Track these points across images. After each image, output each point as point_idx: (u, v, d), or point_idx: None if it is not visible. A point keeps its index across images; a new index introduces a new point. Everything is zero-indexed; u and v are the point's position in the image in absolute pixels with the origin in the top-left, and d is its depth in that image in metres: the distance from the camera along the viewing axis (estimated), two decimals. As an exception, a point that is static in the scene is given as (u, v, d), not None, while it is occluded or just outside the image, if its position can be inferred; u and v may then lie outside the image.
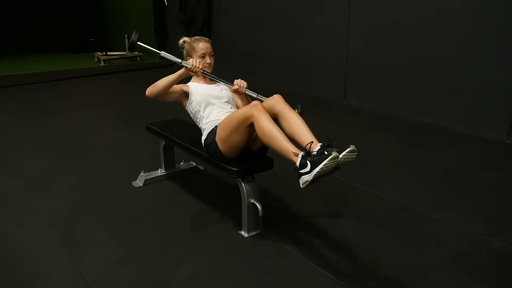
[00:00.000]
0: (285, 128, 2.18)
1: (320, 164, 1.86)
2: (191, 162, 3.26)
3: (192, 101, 2.50)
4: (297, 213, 2.62)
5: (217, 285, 1.96)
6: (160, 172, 3.10)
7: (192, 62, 2.35)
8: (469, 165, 3.33)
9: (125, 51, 9.41)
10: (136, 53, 9.43)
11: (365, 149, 3.68)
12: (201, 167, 3.30)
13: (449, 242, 2.28)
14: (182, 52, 2.62)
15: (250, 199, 2.30)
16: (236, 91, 2.45)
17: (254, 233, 2.36)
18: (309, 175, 1.90)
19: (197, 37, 2.60)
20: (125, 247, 2.26)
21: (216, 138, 2.29)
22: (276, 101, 2.24)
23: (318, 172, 1.87)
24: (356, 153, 1.99)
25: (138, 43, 2.56)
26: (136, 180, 3.04)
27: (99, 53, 9.13)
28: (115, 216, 2.59)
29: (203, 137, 2.42)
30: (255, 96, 2.54)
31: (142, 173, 3.05)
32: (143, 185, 2.99)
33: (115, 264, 2.12)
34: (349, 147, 1.94)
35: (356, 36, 5.01)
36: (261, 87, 6.31)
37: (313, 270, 2.05)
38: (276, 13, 6.09)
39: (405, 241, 2.30)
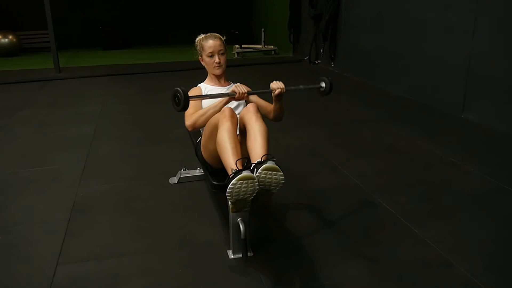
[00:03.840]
0: (246, 139, 1.97)
1: (229, 184, 1.65)
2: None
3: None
4: (306, 242, 2.25)
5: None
6: (198, 171, 3.03)
7: (236, 89, 2.10)
8: None
9: (261, 44, 9.60)
10: (272, 46, 9.56)
11: (448, 175, 3.03)
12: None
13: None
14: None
15: (236, 218, 2.06)
16: (238, 99, 2.16)
17: (240, 255, 2.11)
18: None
19: (208, 34, 2.42)
20: (113, 244, 2.25)
21: (201, 145, 2.11)
22: (247, 111, 2.03)
23: (227, 193, 1.68)
24: (280, 173, 1.74)
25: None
26: (174, 176, 3.03)
27: (237, 46, 9.50)
28: (130, 211, 2.60)
29: (196, 143, 2.26)
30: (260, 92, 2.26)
31: (181, 170, 3.02)
32: (177, 182, 2.96)
33: (91, 259, 2.12)
34: (266, 163, 1.70)
35: (483, 38, 4.14)
36: (378, 91, 5.77)
37: (273, 316, 1.73)
38: (399, 10, 5.44)
39: (414, 307, 1.78)
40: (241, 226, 2.02)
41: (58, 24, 10.46)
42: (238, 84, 2.21)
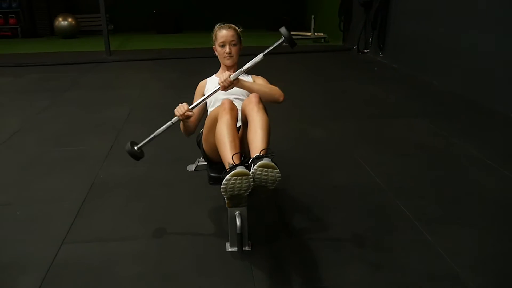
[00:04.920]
0: (247, 132, 1.93)
1: (223, 179, 1.63)
2: (252, 156, 3.06)
3: None
4: (309, 241, 2.18)
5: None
6: (216, 160, 3.02)
7: (176, 112, 2.12)
8: None
9: (310, 31, 9.40)
10: (322, 34, 9.33)
11: (480, 180, 2.83)
12: (264, 163, 3.07)
13: None
14: None
15: (234, 211, 2.03)
16: (224, 89, 2.10)
17: (236, 248, 2.08)
18: None
19: (224, 24, 2.37)
20: (119, 228, 2.30)
21: (202, 138, 2.09)
22: (248, 101, 1.98)
23: (222, 189, 1.66)
24: (277, 171, 1.69)
25: (140, 146, 2.21)
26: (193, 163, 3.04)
27: (285, 33, 9.32)
28: (143, 196, 2.66)
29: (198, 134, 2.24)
30: (244, 69, 2.14)
31: (199, 158, 3.02)
32: (194, 170, 2.97)
33: (95, 240, 2.19)
34: (261, 160, 1.65)
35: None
36: (425, 84, 5.45)
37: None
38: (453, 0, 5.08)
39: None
40: (237, 220, 1.99)
41: (116, 8, 10.85)
42: (180, 104, 2.16)
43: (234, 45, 2.31)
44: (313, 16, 9.24)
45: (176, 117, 2.14)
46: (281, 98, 2.18)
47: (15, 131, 3.77)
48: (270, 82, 2.33)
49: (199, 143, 2.25)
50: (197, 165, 2.99)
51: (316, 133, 3.74)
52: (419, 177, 2.86)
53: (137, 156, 2.18)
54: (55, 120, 4.11)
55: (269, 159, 1.74)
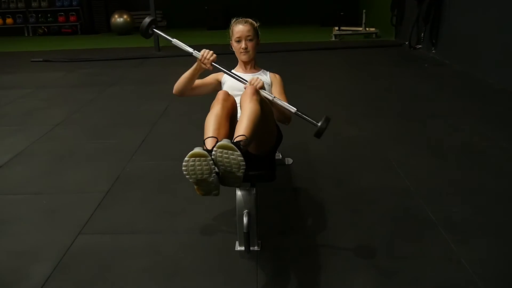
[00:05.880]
0: None
1: (183, 162, 1.62)
2: (278, 153, 2.99)
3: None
4: (322, 245, 2.09)
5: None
6: (241, 157, 2.97)
7: (203, 52, 2.13)
8: None
9: (361, 27, 9.11)
10: (373, 29, 9.01)
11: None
12: (290, 161, 2.99)
13: None
14: None
15: (243, 210, 1.98)
16: (248, 87, 2.01)
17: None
18: None
19: (240, 19, 2.32)
20: (135, 221, 2.33)
21: (211, 132, 2.05)
22: (244, 93, 1.95)
23: (183, 171, 1.65)
24: (238, 153, 1.62)
25: (155, 30, 2.28)
26: (218, 159, 3.02)
27: (335, 28, 9.13)
28: (164, 190, 2.67)
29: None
30: (270, 98, 2.07)
31: (225, 154, 3.00)
32: (218, 167, 2.95)
33: (110, 232, 2.23)
34: (222, 141, 1.63)
35: None
36: (479, 82, 5.07)
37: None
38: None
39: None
40: (244, 219, 1.94)
41: (169, 5, 11.12)
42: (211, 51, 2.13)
43: (250, 40, 2.26)
44: (364, 11, 8.94)
45: (199, 54, 2.15)
46: (287, 123, 2.21)
47: (57, 123, 3.94)
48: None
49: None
50: (222, 161, 2.97)
51: (351, 131, 3.59)
52: (454, 182, 2.66)
53: (145, 33, 2.27)
54: (96, 114, 4.26)
55: (229, 141, 1.66)
